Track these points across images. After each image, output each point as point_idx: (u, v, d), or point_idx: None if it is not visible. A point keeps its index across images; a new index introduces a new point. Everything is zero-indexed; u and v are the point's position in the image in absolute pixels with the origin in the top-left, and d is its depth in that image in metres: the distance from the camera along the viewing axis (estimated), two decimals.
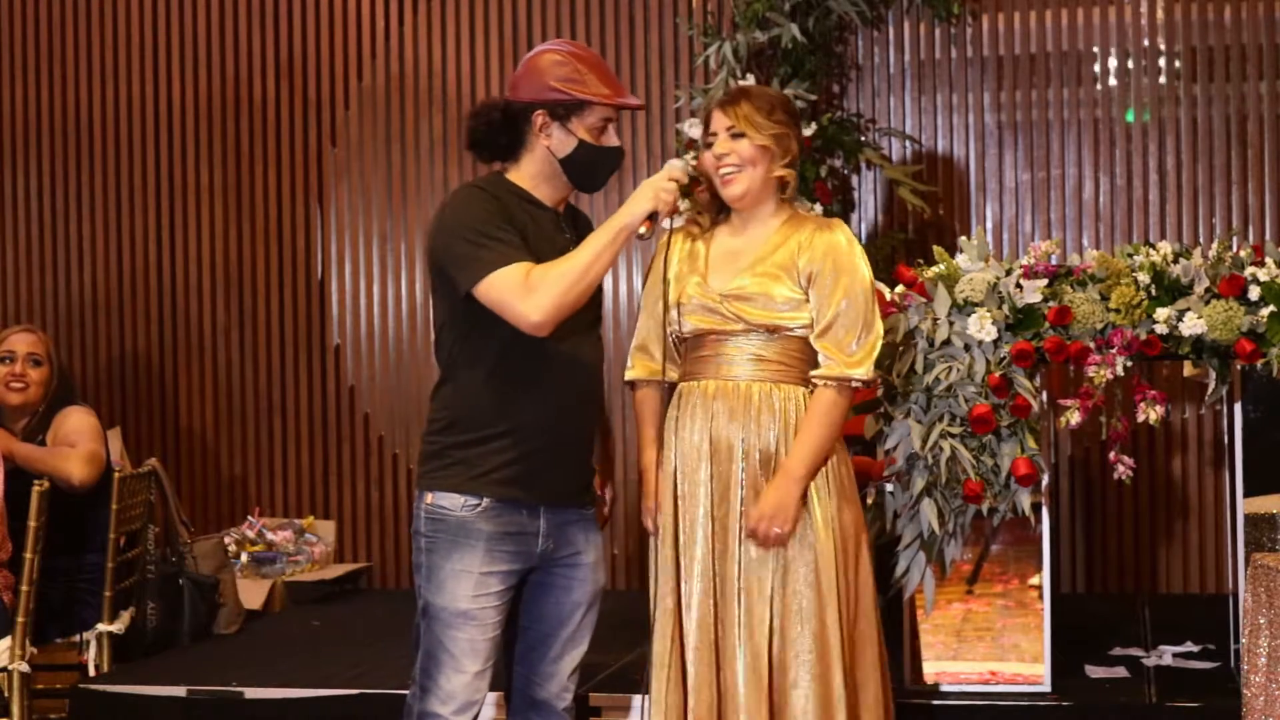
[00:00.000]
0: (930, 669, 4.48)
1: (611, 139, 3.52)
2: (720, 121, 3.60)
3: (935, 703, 4.38)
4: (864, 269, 3.59)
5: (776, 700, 3.52)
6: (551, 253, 3.44)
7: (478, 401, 3.49)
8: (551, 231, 3.50)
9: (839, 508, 3.56)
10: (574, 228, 3.58)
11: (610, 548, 6.46)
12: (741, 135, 3.58)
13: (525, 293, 3.35)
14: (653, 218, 3.41)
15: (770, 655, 3.52)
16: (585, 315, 3.51)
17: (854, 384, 3.55)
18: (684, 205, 3.72)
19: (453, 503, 3.46)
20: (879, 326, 3.59)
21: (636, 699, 4.51)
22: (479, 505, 3.46)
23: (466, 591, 3.45)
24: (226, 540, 6.01)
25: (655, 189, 3.42)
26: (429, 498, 3.49)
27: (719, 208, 3.69)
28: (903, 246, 6.12)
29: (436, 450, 3.51)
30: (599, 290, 3.58)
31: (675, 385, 3.71)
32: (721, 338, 3.60)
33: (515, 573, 3.51)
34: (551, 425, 3.48)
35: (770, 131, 3.57)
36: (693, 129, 5.81)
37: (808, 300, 3.55)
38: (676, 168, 3.47)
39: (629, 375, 3.78)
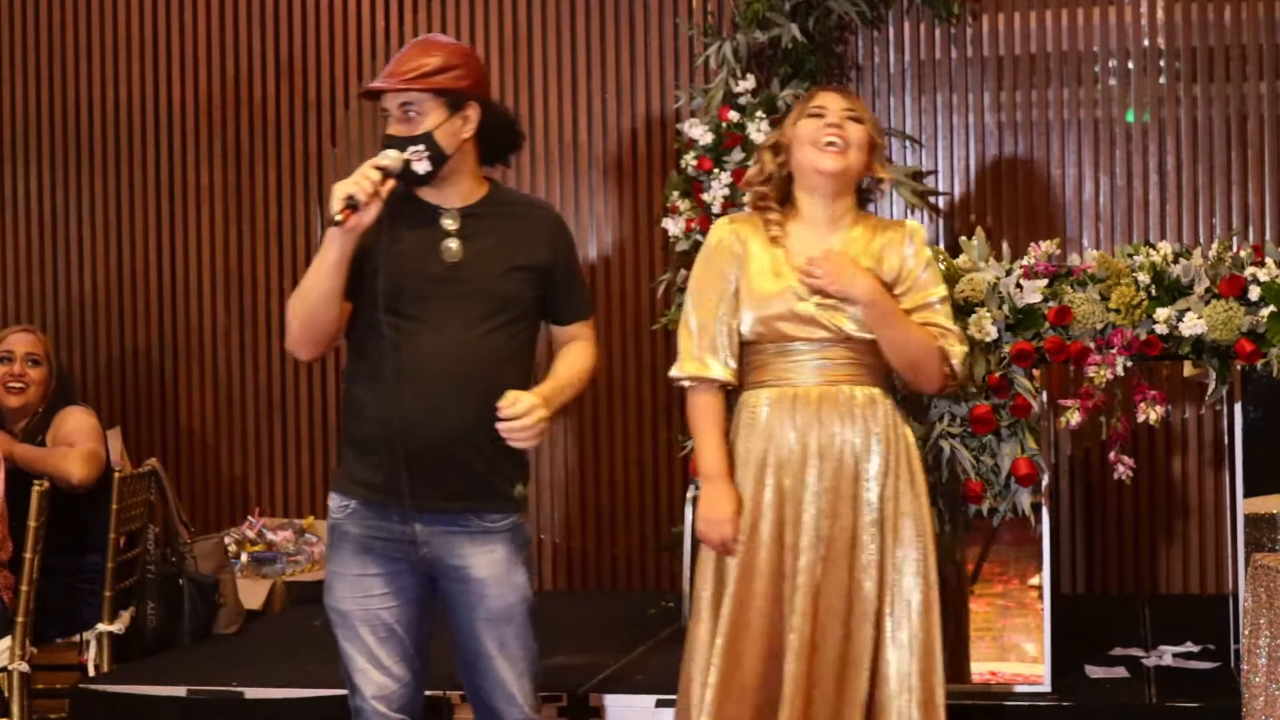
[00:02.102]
0: None
1: (389, 129, 3.45)
2: (837, 102, 3.56)
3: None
4: (940, 276, 3.61)
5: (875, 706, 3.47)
6: (409, 255, 3.41)
7: (347, 403, 3.50)
8: (420, 228, 3.44)
9: (926, 507, 3.55)
10: (462, 221, 3.47)
11: (610, 547, 6.47)
12: (859, 121, 3.55)
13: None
14: (351, 204, 3.30)
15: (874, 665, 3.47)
16: (471, 311, 3.40)
17: (955, 374, 3.54)
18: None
19: (333, 503, 3.49)
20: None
21: (639, 698, 4.51)
22: (348, 507, 3.46)
23: (344, 593, 3.46)
24: (226, 540, 6.01)
25: (349, 178, 3.33)
26: (329, 497, 3.52)
27: (783, 198, 3.62)
28: None
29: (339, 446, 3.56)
30: (497, 285, 3.45)
31: (735, 388, 3.62)
32: (807, 343, 3.53)
33: (402, 573, 3.45)
34: (413, 429, 3.37)
35: (875, 125, 3.59)
36: (693, 129, 5.81)
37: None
38: (388, 155, 3.39)
39: (691, 373, 3.60)
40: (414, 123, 3.42)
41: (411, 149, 3.40)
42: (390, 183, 3.37)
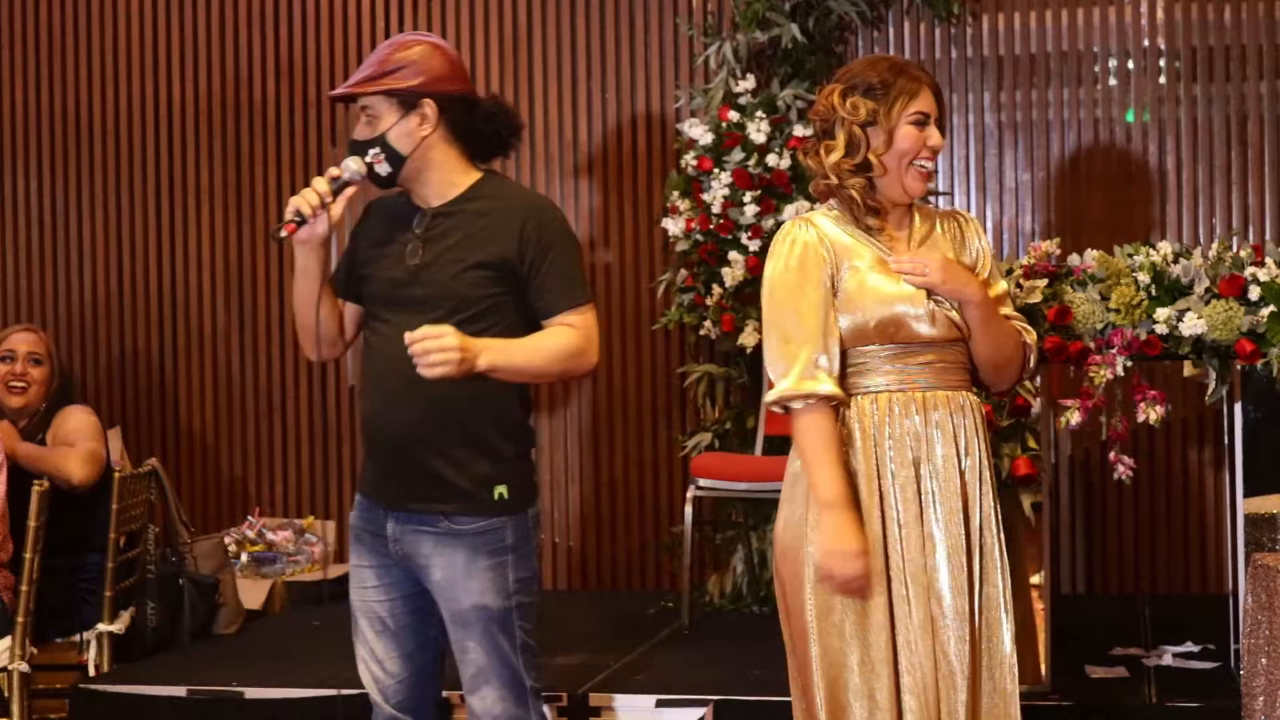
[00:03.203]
0: None
1: (356, 133, 3.47)
2: (932, 105, 3.24)
3: None
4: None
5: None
6: (381, 256, 3.46)
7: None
8: (397, 230, 3.47)
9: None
10: (429, 224, 3.45)
11: (610, 547, 6.47)
12: (942, 129, 3.29)
13: None
14: (299, 220, 3.36)
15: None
16: (429, 313, 3.35)
17: (1031, 369, 3.38)
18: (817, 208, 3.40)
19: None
20: None
21: (639, 698, 4.51)
22: (358, 502, 3.55)
23: (351, 584, 3.55)
24: (226, 540, 6.01)
25: (302, 191, 3.39)
26: None
27: (867, 195, 3.26)
28: None
29: None
30: (454, 285, 3.39)
31: (842, 401, 3.19)
32: (933, 343, 3.24)
33: (390, 568, 3.47)
34: (389, 429, 3.42)
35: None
36: (693, 129, 5.81)
37: None
38: (346, 164, 3.41)
39: (807, 390, 3.14)
40: (374, 125, 3.45)
41: (371, 152, 3.43)
42: (349, 190, 3.41)
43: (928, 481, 3.21)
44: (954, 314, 3.22)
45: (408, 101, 3.42)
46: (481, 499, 3.39)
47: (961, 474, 3.23)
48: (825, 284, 3.21)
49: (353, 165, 3.42)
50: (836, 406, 3.17)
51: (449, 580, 3.40)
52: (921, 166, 3.24)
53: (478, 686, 3.45)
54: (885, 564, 3.16)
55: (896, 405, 3.21)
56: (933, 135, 3.24)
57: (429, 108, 3.43)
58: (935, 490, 3.20)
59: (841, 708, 3.14)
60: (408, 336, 3.23)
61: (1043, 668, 4.44)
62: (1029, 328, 3.38)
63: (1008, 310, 3.36)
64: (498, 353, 3.30)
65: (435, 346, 3.21)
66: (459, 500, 3.38)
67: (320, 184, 3.39)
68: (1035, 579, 4.47)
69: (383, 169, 3.43)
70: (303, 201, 3.37)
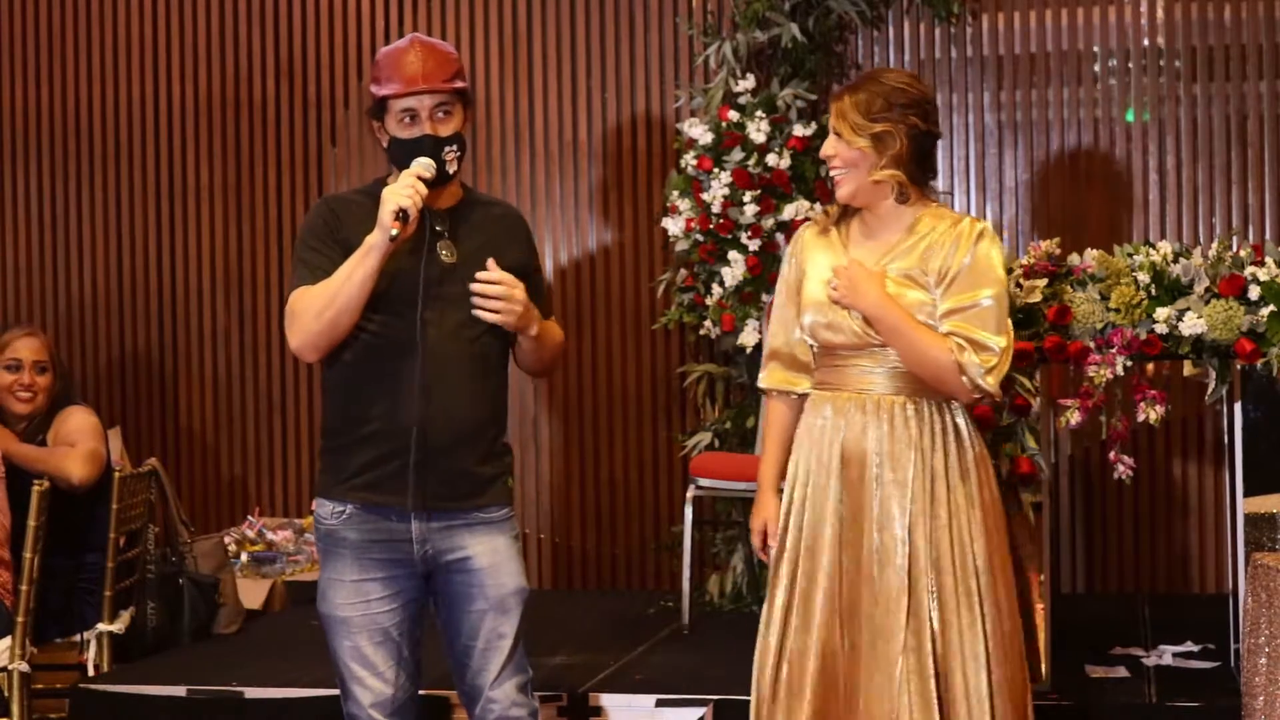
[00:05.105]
0: None
1: (417, 130, 3.45)
2: (831, 118, 3.44)
3: None
4: (1002, 274, 3.41)
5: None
6: (407, 258, 3.42)
7: (335, 405, 3.52)
8: (416, 234, 3.43)
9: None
10: (450, 223, 3.50)
11: (610, 547, 6.47)
12: (840, 136, 3.42)
13: (289, 319, 3.45)
14: (402, 217, 3.33)
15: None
16: (466, 311, 3.43)
17: (978, 388, 3.35)
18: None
19: (324, 510, 3.49)
20: (1010, 337, 3.40)
21: (638, 698, 4.51)
22: (344, 512, 3.46)
23: (342, 599, 3.46)
24: (226, 540, 6.01)
25: (396, 190, 3.35)
26: (313, 504, 3.54)
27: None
28: None
29: (320, 454, 3.56)
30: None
31: (785, 394, 3.59)
32: (855, 349, 3.42)
33: (400, 577, 3.47)
34: (407, 428, 3.39)
35: (869, 132, 3.37)
36: (693, 129, 5.81)
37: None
38: (420, 164, 3.41)
39: (760, 383, 3.63)
40: (445, 123, 3.46)
41: (447, 149, 3.45)
42: (426, 191, 3.40)
43: (829, 477, 3.42)
44: (855, 322, 3.39)
45: (468, 102, 3.53)
46: (499, 488, 3.52)
47: (875, 473, 3.38)
48: (792, 286, 3.53)
49: (427, 163, 3.42)
50: (799, 398, 3.54)
51: (494, 565, 3.47)
52: (832, 176, 3.47)
53: (505, 678, 3.49)
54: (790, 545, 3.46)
55: (826, 405, 3.45)
56: (825, 148, 3.47)
57: (470, 110, 3.55)
58: (837, 492, 3.41)
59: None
60: (483, 275, 3.38)
61: (1043, 668, 4.44)
62: (983, 347, 3.34)
63: (958, 324, 3.35)
64: (539, 325, 3.51)
65: (507, 295, 3.40)
66: (490, 493, 3.50)
67: (419, 183, 3.37)
68: (1035, 579, 4.47)
69: (453, 167, 3.46)
70: (407, 200, 3.33)
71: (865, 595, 3.39)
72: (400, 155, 3.47)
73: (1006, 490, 4.26)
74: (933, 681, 3.31)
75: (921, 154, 3.42)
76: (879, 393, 3.40)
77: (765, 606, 3.50)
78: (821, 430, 3.44)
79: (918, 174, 3.43)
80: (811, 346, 3.50)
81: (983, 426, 4.24)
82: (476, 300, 3.41)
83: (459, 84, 3.48)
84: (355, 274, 3.37)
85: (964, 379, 3.33)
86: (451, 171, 3.47)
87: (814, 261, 3.49)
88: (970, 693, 3.34)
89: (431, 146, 3.44)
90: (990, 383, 3.34)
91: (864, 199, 3.45)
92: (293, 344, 3.45)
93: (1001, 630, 3.38)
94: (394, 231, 3.31)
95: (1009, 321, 3.41)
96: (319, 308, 3.40)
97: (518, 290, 3.42)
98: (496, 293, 3.41)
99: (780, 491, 3.54)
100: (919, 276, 3.39)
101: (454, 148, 3.45)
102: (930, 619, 3.34)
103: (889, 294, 3.36)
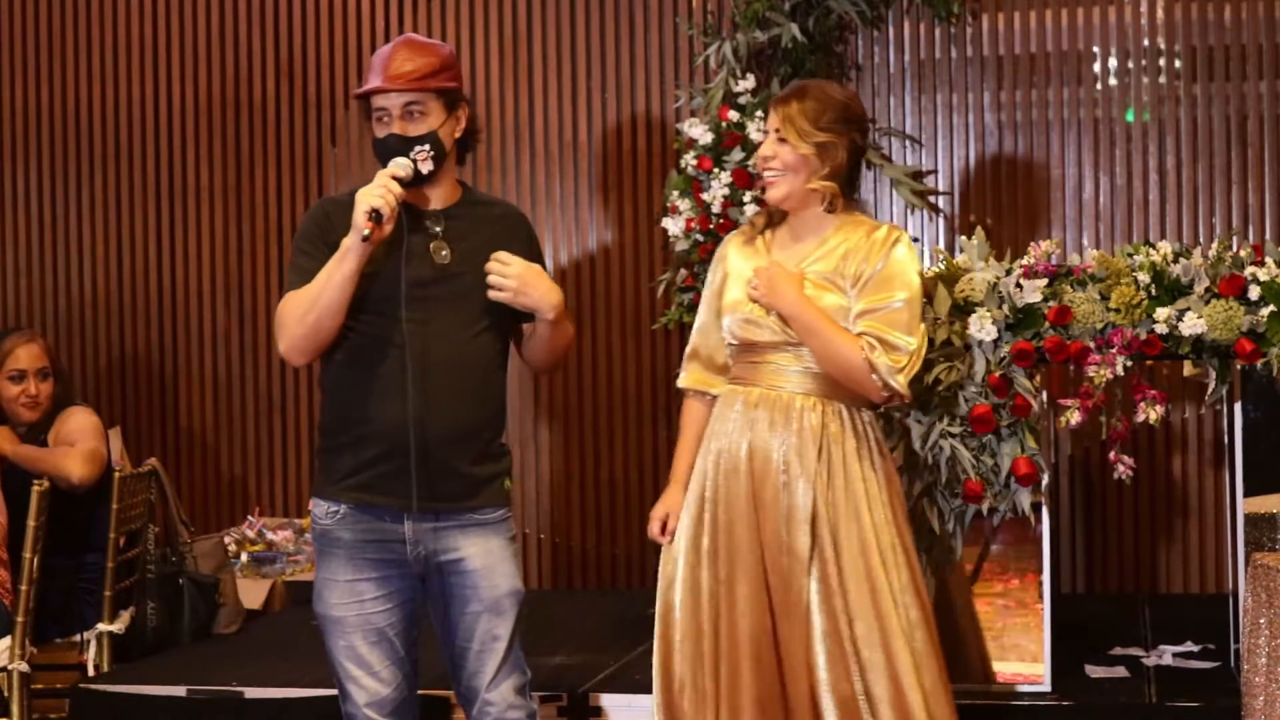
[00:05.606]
0: None
1: (383, 129, 3.45)
2: (772, 120, 3.55)
3: None
4: (915, 279, 3.52)
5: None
6: (389, 256, 3.41)
7: (330, 405, 3.51)
8: (399, 231, 3.42)
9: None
10: (446, 223, 3.50)
11: (610, 547, 6.46)
12: (785, 140, 3.53)
13: (277, 324, 3.45)
14: (375, 217, 3.31)
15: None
16: (463, 312, 3.44)
17: (888, 386, 3.46)
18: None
19: (320, 510, 3.49)
20: (922, 339, 3.50)
21: (638, 698, 4.51)
22: (338, 512, 3.46)
23: (336, 599, 3.47)
24: (226, 540, 6.01)
25: (369, 191, 3.33)
26: (309, 504, 3.53)
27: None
28: None
29: (316, 454, 3.56)
30: (481, 289, 3.47)
31: (698, 393, 3.75)
32: (774, 347, 3.54)
33: (393, 577, 3.47)
34: (405, 429, 3.39)
35: (815, 140, 3.51)
36: (693, 129, 5.80)
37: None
38: (396, 163, 3.40)
39: (679, 383, 3.78)
40: (417, 122, 3.44)
41: (417, 149, 3.43)
42: (401, 190, 3.38)
43: (749, 476, 3.51)
44: (770, 319, 3.52)
45: (452, 103, 3.49)
46: (495, 490, 3.51)
47: (781, 467, 3.48)
48: (715, 291, 3.65)
49: (403, 162, 3.41)
50: (714, 399, 3.65)
51: (488, 566, 3.47)
52: (765, 177, 3.57)
53: (500, 680, 3.49)
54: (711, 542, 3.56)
55: (738, 400, 3.56)
56: (763, 149, 3.58)
57: (463, 112, 3.52)
58: (745, 486, 3.52)
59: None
60: (496, 256, 3.42)
61: (1043, 668, 4.44)
62: (894, 348, 3.44)
63: (870, 325, 3.45)
64: (560, 310, 3.52)
65: (518, 273, 3.42)
66: (486, 493, 3.49)
67: (392, 183, 3.35)
68: (1035, 579, 4.47)
69: (426, 166, 3.43)
70: (380, 200, 3.32)
71: (780, 565, 3.48)
72: (378, 154, 3.48)
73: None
74: (845, 627, 3.44)
75: (854, 168, 3.60)
76: (790, 391, 3.52)
77: (660, 574, 3.63)
78: (733, 423, 3.55)
79: (847, 187, 3.60)
80: (730, 345, 3.62)
81: (983, 426, 4.24)
82: (493, 280, 3.43)
83: (433, 83, 3.43)
84: (334, 276, 3.36)
85: (874, 377, 3.45)
86: (426, 171, 3.44)
87: (737, 267, 3.63)
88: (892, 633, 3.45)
89: (398, 146, 3.43)
90: (900, 381, 3.45)
91: (795, 204, 3.57)
92: (280, 348, 3.46)
93: (912, 573, 3.51)
94: (366, 232, 3.30)
95: (922, 325, 3.52)
96: (301, 311, 3.40)
97: (512, 266, 3.44)
98: (505, 271, 3.42)
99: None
100: (837, 280, 3.51)
101: (425, 147, 3.42)
102: (832, 573, 3.46)
103: (806, 295, 3.48)
